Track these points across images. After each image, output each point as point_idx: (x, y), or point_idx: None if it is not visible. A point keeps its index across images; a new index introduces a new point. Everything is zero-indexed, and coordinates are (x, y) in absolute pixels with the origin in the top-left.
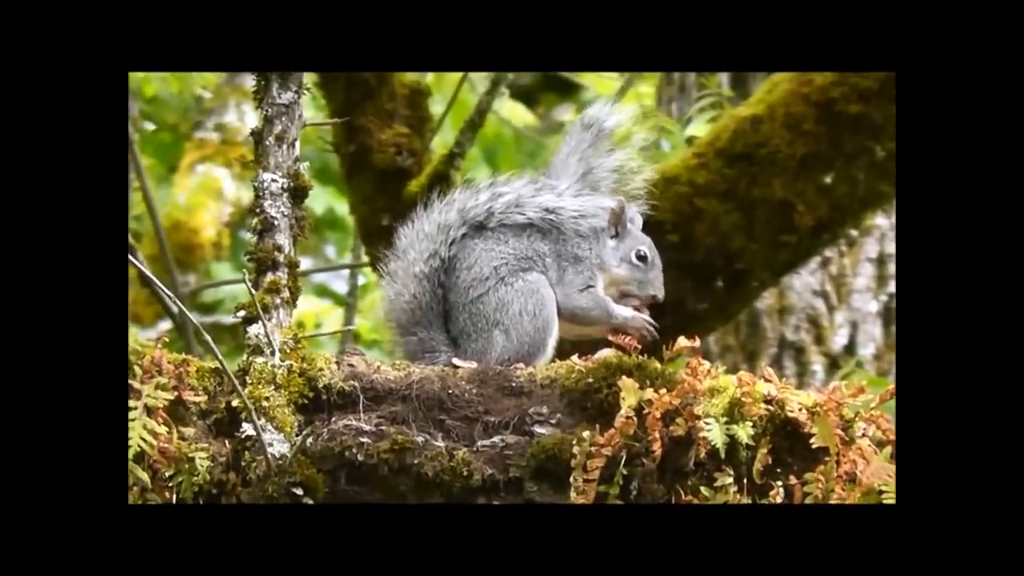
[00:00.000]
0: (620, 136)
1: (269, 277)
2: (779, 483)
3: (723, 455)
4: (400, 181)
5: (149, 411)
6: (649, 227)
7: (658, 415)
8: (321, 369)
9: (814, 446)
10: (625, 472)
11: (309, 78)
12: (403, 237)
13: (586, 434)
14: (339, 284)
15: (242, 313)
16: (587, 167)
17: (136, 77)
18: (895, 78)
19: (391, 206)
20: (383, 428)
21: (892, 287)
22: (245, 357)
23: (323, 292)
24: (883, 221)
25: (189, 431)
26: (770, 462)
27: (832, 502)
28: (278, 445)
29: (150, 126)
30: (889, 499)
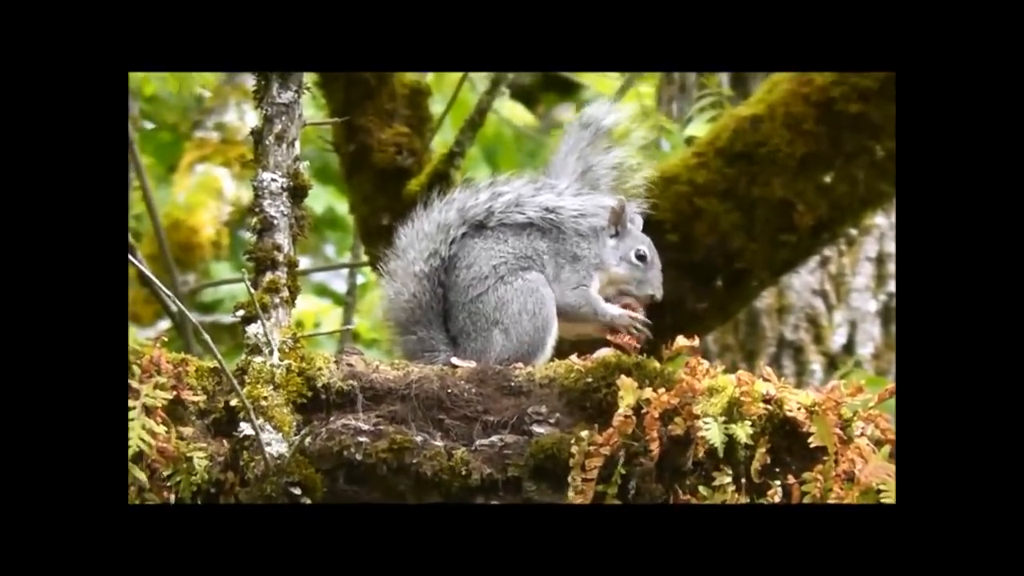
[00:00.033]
0: (619, 134)
1: (268, 276)
2: (777, 482)
3: (721, 454)
4: (400, 180)
5: (148, 410)
6: (649, 226)
7: (656, 414)
8: (320, 368)
9: (812, 445)
10: (623, 471)
11: (309, 77)
12: (403, 236)
13: (584, 433)
14: (338, 283)
15: (241, 312)
16: (586, 165)
17: (136, 76)
18: (895, 78)
19: (391, 205)
20: (382, 427)
21: (891, 286)
22: (244, 356)
23: (322, 291)
24: (882, 220)
25: (188, 430)
26: (768, 461)
27: (830, 501)
28: (276, 444)
29: (149, 125)
30: (887, 498)
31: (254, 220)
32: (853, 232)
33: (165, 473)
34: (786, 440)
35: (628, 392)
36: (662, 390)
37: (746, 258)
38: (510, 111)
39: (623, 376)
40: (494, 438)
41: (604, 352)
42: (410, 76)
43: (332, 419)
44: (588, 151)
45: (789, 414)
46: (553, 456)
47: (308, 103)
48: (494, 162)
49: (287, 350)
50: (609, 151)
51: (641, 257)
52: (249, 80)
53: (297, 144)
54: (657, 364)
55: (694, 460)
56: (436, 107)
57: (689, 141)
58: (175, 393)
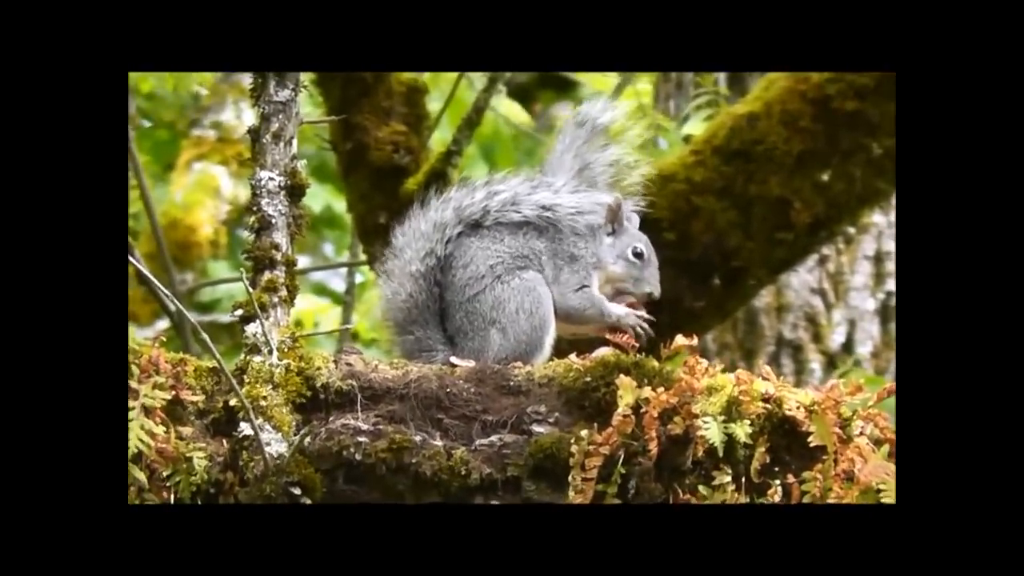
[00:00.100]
0: (615, 131)
1: (266, 275)
2: (777, 482)
3: (721, 454)
4: (397, 179)
5: (147, 411)
6: (646, 225)
7: (656, 414)
8: (319, 368)
9: (812, 444)
10: (623, 471)
11: (306, 76)
12: (399, 236)
13: (584, 433)
14: (337, 282)
15: (239, 312)
16: (583, 163)
17: (133, 74)
18: (893, 76)
19: (388, 204)
20: (381, 427)
21: (890, 285)
22: (242, 356)
23: (321, 290)
24: (880, 219)
25: (187, 430)
26: (768, 460)
27: (830, 501)
28: (276, 444)
29: (147, 124)
30: (887, 497)
31: (252, 219)
32: (851, 230)
33: (164, 473)
34: (785, 439)
35: (627, 391)
36: (661, 389)
37: (743, 256)
38: (507, 109)
39: (622, 375)
40: (493, 438)
41: (603, 351)
42: (407, 74)
43: (331, 419)
44: (584, 149)
45: (788, 413)
46: (552, 455)
47: (305, 101)
48: (491, 160)
49: (286, 349)
50: (606, 148)
51: (638, 255)
52: (246, 78)
53: (294, 142)
54: (656, 363)
55: (693, 459)
56: (433, 105)
57: (686, 139)
58: (174, 393)
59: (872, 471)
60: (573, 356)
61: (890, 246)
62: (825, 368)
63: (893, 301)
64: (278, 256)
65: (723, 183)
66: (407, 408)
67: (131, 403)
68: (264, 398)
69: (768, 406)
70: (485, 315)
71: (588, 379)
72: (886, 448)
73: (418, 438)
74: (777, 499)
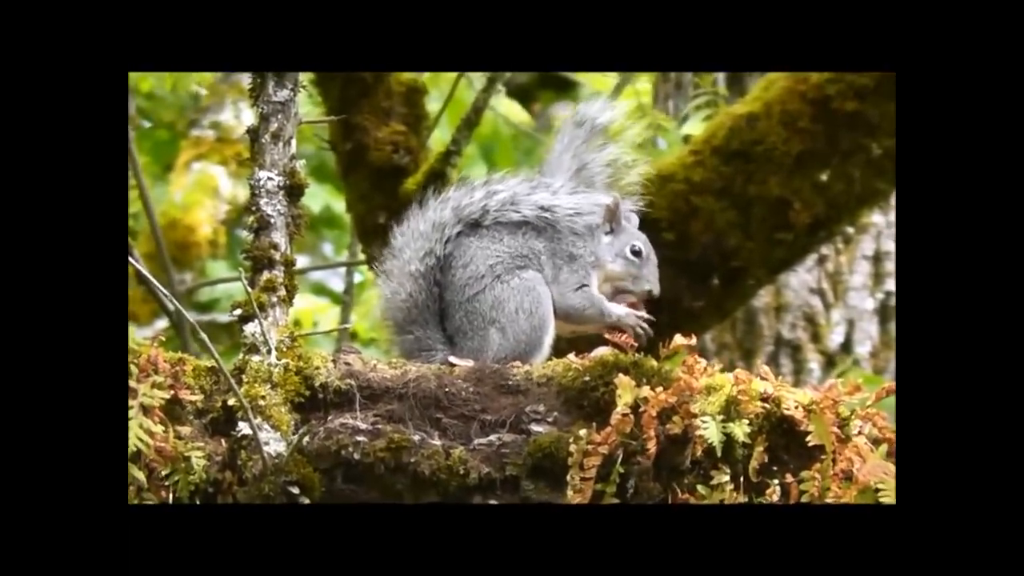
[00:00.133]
0: (614, 131)
1: (265, 275)
2: (775, 481)
3: (719, 453)
4: (396, 179)
5: (145, 410)
6: (645, 225)
7: (654, 413)
8: (317, 367)
9: (810, 444)
10: (622, 470)
11: (305, 76)
12: (398, 235)
13: (583, 432)
14: (336, 282)
15: (238, 311)
16: (581, 163)
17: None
18: (892, 77)
19: (387, 204)
20: (379, 427)
21: (888, 285)
22: (241, 355)
23: (320, 290)
24: (879, 218)
25: (185, 430)
26: (766, 460)
27: (828, 500)
28: (274, 444)
29: (146, 124)
30: (886, 497)
31: (251, 219)
32: (850, 230)
33: (163, 472)
34: (784, 439)
35: (626, 391)
36: (660, 389)
37: (742, 256)
38: (507, 109)
39: (621, 375)
40: (492, 437)
41: (602, 351)
42: (406, 74)
43: (330, 418)
44: (583, 149)
45: (787, 413)
46: (551, 455)
47: (304, 101)
48: (491, 160)
49: (285, 349)
50: (603, 149)
51: (636, 253)
52: (245, 78)
53: (293, 142)
54: (655, 363)
55: (692, 459)
56: (432, 105)
57: (685, 139)
58: (172, 392)
59: (870, 470)
60: (572, 355)
61: (889, 246)
62: (824, 368)
63: (892, 301)
64: (277, 256)
65: (722, 183)
66: (406, 407)
67: (130, 402)
68: (263, 397)
69: (767, 406)
70: (484, 315)
71: (587, 378)
72: (884, 448)
73: (416, 437)
74: (775, 499)
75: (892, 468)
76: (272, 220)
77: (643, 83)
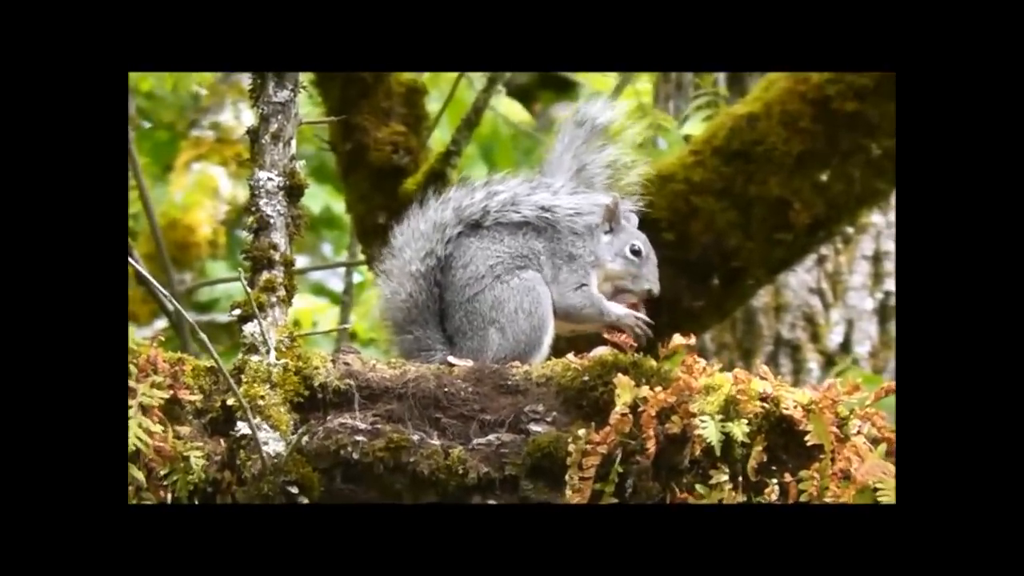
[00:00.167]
0: (614, 132)
1: (265, 275)
2: (774, 480)
3: (718, 453)
4: (396, 179)
5: (144, 410)
6: (645, 225)
7: (653, 413)
8: (317, 367)
9: (809, 444)
10: (620, 470)
11: (305, 76)
12: (399, 236)
13: (582, 432)
14: (335, 282)
15: (238, 311)
16: (580, 164)
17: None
18: (892, 77)
19: (387, 204)
20: (379, 426)
21: (888, 285)
22: (240, 355)
23: (319, 290)
24: (879, 219)
25: (184, 430)
26: (765, 459)
27: (827, 499)
28: (273, 444)
29: (146, 124)
30: (884, 497)
31: (250, 219)
32: (850, 230)
33: (162, 472)
34: (783, 438)
35: (625, 390)
36: (659, 388)
37: (742, 256)
38: (507, 108)
39: (620, 374)
40: (491, 437)
41: (601, 350)
42: (406, 75)
43: (329, 418)
44: (583, 149)
45: (786, 412)
46: (550, 455)
47: (304, 102)
48: (491, 160)
49: (284, 349)
50: (603, 149)
51: (636, 252)
52: (245, 79)
53: (293, 143)
54: (654, 362)
55: (691, 458)
56: (433, 105)
57: (686, 139)
58: (172, 392)
59: (869, 470)
60: (571, 355)
61: (888, 246)
62: (823, 368)
63: (891, 301)
64: (276, 256)
65: (722, 183)
66: (405, 407)
67: (129, 402)
68: (262, 397)
69: (765, 405)
70: (484, 315)
71: (586, 378)
72: (883, 447)
73: (416, 437)
74: (774, 498)
75: (891, 468)
76: (272, 220)
77: (643, 83)
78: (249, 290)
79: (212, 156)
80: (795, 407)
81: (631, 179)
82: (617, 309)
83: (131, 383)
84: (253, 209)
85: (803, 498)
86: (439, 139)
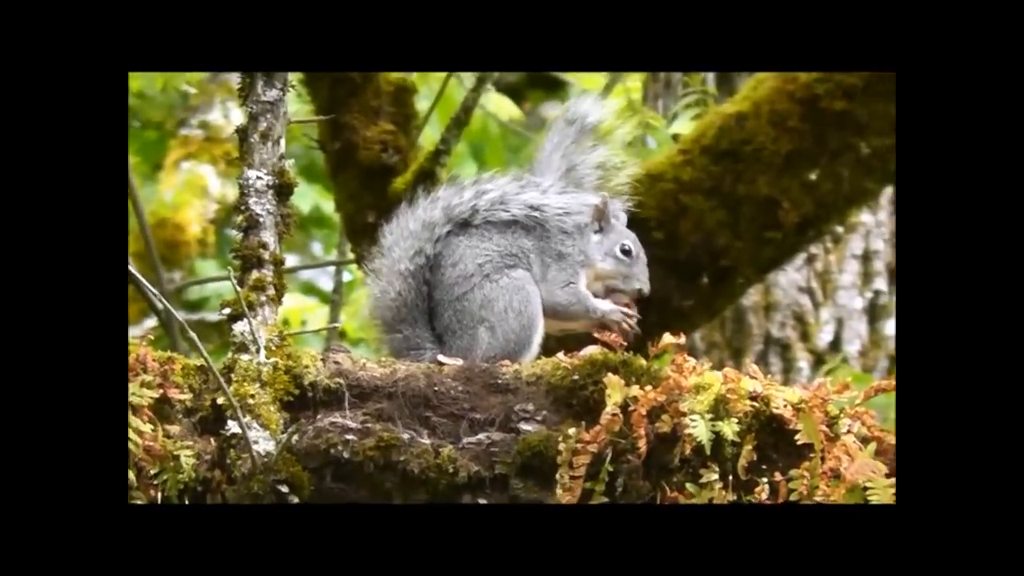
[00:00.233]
0: (604, 131)
1: (254, 274)
2: (764, 479)
3: (708, 452)
4: (385, 178)
5: (134, 409)
6: (634, 224)
7: (644, 412)
8: (306, 366)
9: (799, 442)
10: (611, 469)
11: (294, 75)
12: (388, 235)
13: (572, 431)
14: (325, 281)
15: (227, 310)
16: (570, 163)
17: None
18: (883, 77)
19: (376, 203)
20: (369, 425)
21: (877, 284)
22: (230, 354)
23: (309, 289)
24: (868, 218)
25: (174, 429)
26: (755, 458)
27: (817, 498)
28: (263, 443)
29: (135, 124)
30: (874, 496)
31: (240, 218)
32: (839, 230)
33: (152, 472)
34: (773, 437)
35: (615, 389)
36: (649, 387)
37: (731, 256)
38: (496, 104)
39: (610, 373)
40: (481, 436)
41: (591, 349)
42: (395, 74)
43: (319, 417)
44: (573, 149)
45: (776, 411)
46: (540, 453)
47: (293, 100)
48: (481, 158)
49: (274, 348)
50: (593, 149)
51: (626, 252)
52: (234, 78)
53: (282, 142)
54: (644, 361)
55: (681, 457)
56: (422, 103)
57: (675, 138)
58: (161, 391)
59: (859, 469)
60: (561, 354)
61: (878, 245)
62: (813, 366)
63: (881, 300)
64: (266, 255)
65: (711, 183)
66: (395, 406)
67: None
68: (252, 396)
69: (755, 404)
70: (474, 314)
71: (576, 377)
72: (873, 446)
73: (406, 436)
74: (764, 497)
75: (881, 466)
76: (261, 219)
77: (634, 80)
78: (239, 289)
79: (201, 155)
80: (785, 406)
81: (620, 179)
82: (603, 305)
83: None
84: (242, 208)
85: (793, 497)
86: (429, 137)
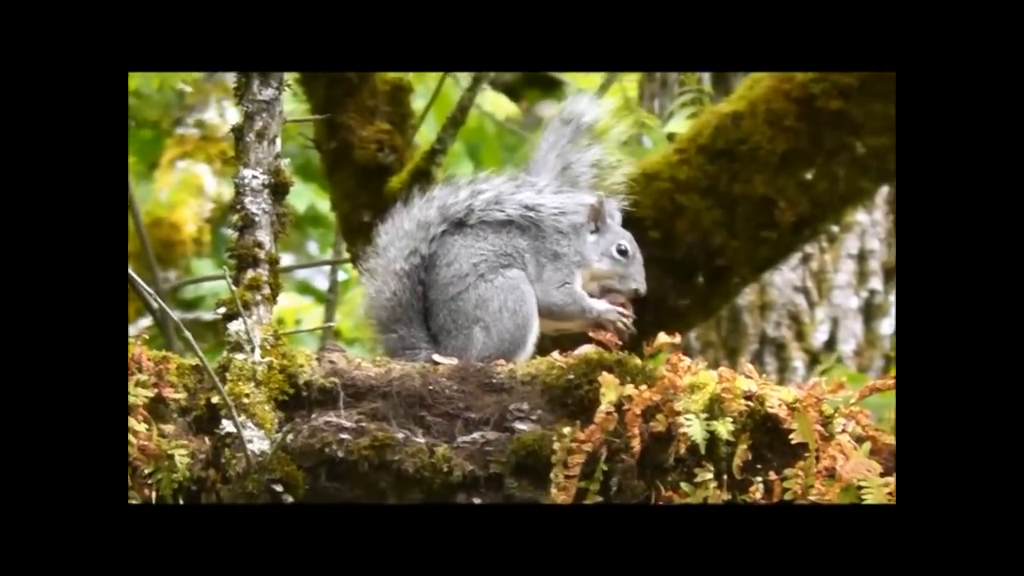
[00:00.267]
0: (600, 130)
1: (250, 273)
2: (759, 479)
3: (703, 451)
4: (381, 178)
5: (129, 408)
6: (630, 223)
7: (638, 411)
8: (301, 366)
9: (794, 442)
10: (605, 468)
11: (290, 75)
12: (383, 234)
13: (567, 430)
14: (320, 280)
15: (223, 310)
16: (566, 163)
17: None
18: (879, 77)
19: (372, 203)
20: (363, 425)
21: (873, 283)
22: (225, 354)
23: (304, 289)
24: (864, 217)
25: (169, 428)
26: (750, 458)
27: (811, 497)
28: (258, 442)
29: (131, 124)
30: (869, 495)
31: (235, 217)
32: (835, 229)
33: (146, 471)
34: (767, 436)
35: (610, 389)
36: (644, 387)
37: (727, 255)
38: (493, 103)
39: (605, 373)
40: (476, 435)
41: (586, 349)
42: (391, 73)
43: (314, 416)
44: (568, 148)
45: (770, 410)
46: (535, 453)
47: (289, 99)
48: (476, 158)
49: (269, 347)
50: (589, 149)
51: (622, 252)
52: (230, 77)
53: (278, 141)
54: (639, 361)
55: (676, 456)
56: (418, 103)
57: (671, 138)
58: (156, 391)
59: (853, 468)
60: (556, 354)
61: (873, 244)
62: (808, 366)
63: (876, 299)
64: (261, 254)
65: (707, 182)
66: (390, 406)
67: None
68: (247, 396)
69: (750, 404)
70: (469, 313)
71: (571, 377)
72: (867, 445)
73: (400, 435)
74: (759, 496)
75: (875, 466)
76: (257, 218)
77: (629, 80)
78: (234, 288)
79: (197, 154)
80: (780, 405)
81: (616, 179)
82: (598, 305)
83: None
84: (238, 207)
85: (788, 496)
86: (425, 137)
